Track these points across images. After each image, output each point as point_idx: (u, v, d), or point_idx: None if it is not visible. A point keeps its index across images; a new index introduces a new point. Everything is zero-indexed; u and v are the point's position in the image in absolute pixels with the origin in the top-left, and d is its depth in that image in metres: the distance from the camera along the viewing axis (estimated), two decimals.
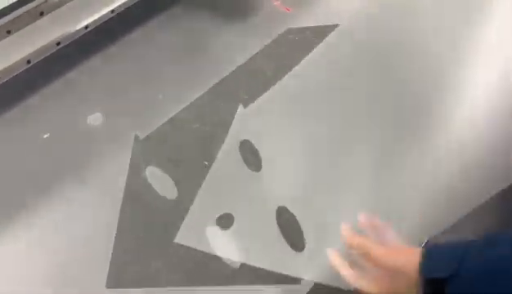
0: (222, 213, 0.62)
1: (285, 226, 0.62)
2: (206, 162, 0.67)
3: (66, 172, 0.65)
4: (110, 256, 0.58)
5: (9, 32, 0.65)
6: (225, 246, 0.59)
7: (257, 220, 0.62)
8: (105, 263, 0.57)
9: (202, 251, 0.59)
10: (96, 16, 0.73)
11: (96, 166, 0.66)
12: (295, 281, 0.57)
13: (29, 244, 0.59)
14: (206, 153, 0.68)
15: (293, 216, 0.63)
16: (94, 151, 0.68)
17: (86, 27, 0.72)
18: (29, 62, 0.68)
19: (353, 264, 0.47)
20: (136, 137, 0.70)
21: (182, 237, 0.59)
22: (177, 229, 0.61)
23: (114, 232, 0.60)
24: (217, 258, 0.58)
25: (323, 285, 0.56)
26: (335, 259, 0.49)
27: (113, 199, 0.63)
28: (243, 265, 0.58)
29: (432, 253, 0.42)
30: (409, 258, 0.42)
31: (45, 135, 0.70)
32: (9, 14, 0.63)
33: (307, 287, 0.56)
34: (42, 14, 0.67)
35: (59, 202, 0.62)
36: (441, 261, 0.40)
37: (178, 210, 0.62)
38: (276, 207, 0.63)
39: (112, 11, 0.74)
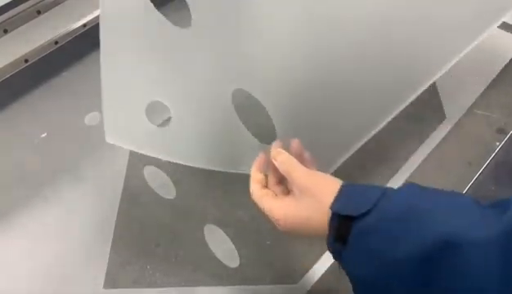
0: (153, 100, 0.52)
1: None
2: None
3: (63, 172, 0.65)
4: (108, 256, 0.57)
5: (6, 31, 0.65)
6: (164, 146, 0.53)
7: (206, 109, 0.51)
8: (103, 263, 0.57)
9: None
10: (93, 15, 0.72)
11: (94, 165, 0.66)
12: (293, 281, 0.56)
13: (25, 244, 0.58)
14: None
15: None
16: (92, 150, 0.67)
17: (84, 25, 0.72)
18: (26, 61, 0.68)
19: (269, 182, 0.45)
20: None
21: (110, 136, 0.54)
22: (176, 229, 0.60)
23: (112, 232, 0.59)
24: (215, 258, 0.58)
25: (322, 286, 0.56)
26: (261, 159, 0.46)
27: (111, 199, 0.63)
28: (241, 266, 0.57)
29: (350, 190, 0.39)
30: (331, 189, 0.39)
31: (42, 135, 0.69)
32: (5, 13, 0.63)
33: (307, 286, 0.56)
34: (39, 12, 0.67)
35: (56, 201, 0.62)
36: (356, 200, 0.37)
37: (177, 210, 0.62)
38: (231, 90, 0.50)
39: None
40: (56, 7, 0.70)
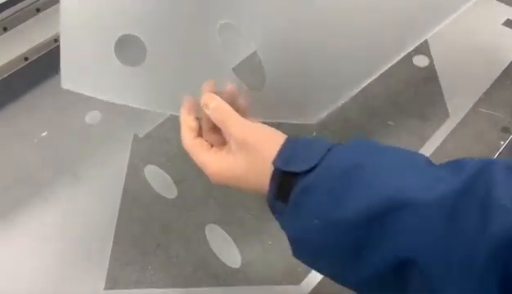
0: (124, 34, 0.43)
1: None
2: None
3: (64, 171, 0.65)
4: (109, 256, 0.57)
5: (5, 29, 0.65)
6: (135, 89, 0.46)
7: (189, 44, 0.44)
8: (104, 264, 0.56)
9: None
10: None
11: (95, 165, 0.65)
12: (295, 281, 0.56)
13: (26, 244, 0.58)
14: None
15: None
16: (92, 150, 0.67)
17: None
18: (26, 59, 0.67)
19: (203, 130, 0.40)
20: (135, 135, 0.69)
21: (68, 80, 0.46)
22: (177, 229, 0.60)
23: (113, 232, 0.59)
24: (216, 259, 0.57)
25: (325, 286, 0.55)
26: (190, 101, 0.40)
27: (111, 199, 0.62)
28: (243, 266, 0.57)
29: (294, 144, 0.35)
30: (272, 142, 0.35)
31: (42, 134, 0.69)
32: (5, 11, 0.63)
33: (309, 287, 0.56)
34: (38, 10, 0.67)
35: (56, 201, 0.62)
36: (300, 155, 0.34)
37: (178, 209, 0.62)
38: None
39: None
40: (55, 5, 0.69)
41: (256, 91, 0.44)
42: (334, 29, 0.45)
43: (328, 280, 0.57)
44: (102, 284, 0.55)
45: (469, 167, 0.30)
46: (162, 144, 0.68)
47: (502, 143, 0.67)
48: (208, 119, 0.40)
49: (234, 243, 0.58)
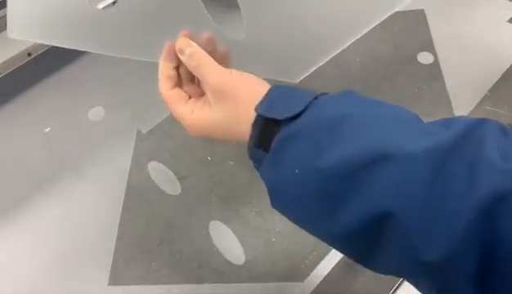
0: None
1: None
2: (209, 157, 0.66)
3: (67, 167, 0.65)
4: (112, 252, 0.57)
5: None
6: (100, 37, 0.41)
7: None
8: (108, 260, 0.56)
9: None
10: None
11: (98, 161, 0.65)
12: (299, 279, 0.56)
13: (28, 241, 0.58)
14: (209, 147, 0.67)
15: None
16: (95, 146, 0.67)
17: None
18: (29, 55, 0.67)
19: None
20: (139, 132, 0.69)
21: (15, 26, 0.39)
22: (180, 226, 0.60)
23: (117, 228, 0.59)
24: (220, 256, 0.57)
25: (329, 284, 0.55)
26: (170, 48, 0.37)
27: (115, 195, 0.62)
28: (246, 263, 0.57)
29: (279, 92, 0.34)
30: (254, 90, 0.34)
31: (46, 129, 0.69)
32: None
33: (313, 284, 0.55)
34: None
35: (59, 197, 0.62)
36: (284, 102, 0.32)
37: (181, 206, 0.62)
38: None
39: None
40: None
41: (235, 39, 0.41)
42: None
43: (332, 277, 0.57)
44: (106, 280, 0.55)
45: (460, 123, 0.28)
46: (165, 140, 0.68)
47: None
48: (187, 68, 0.38)
49: (237, 240, 0.58)
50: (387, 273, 0.30)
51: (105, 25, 0.42)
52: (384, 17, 0.50)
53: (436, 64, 0.77)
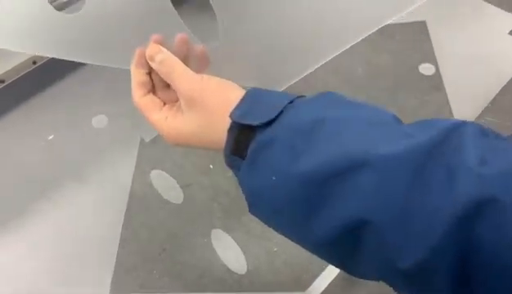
0: None
1: None
2: (211, 166, 0.66)
3: (70, 174, 0.65)
4: (115, 260, 0.57)
5: None
6: (71, 42, 0.41)
7: None
8: (110, 268, 0.56)
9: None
10: None
11: (101, 169, 0.66)
12: (301, 288, 0.56)
13: (32, 247, 0.58)
14: (211, 156, 0.67)
15: None
16: (99, 154, 0.67)
17: None
18: (34, 63, 0.68)
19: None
20: (142, 140, 0.69)
21: None
22: (182, 235, 0.60)
23: (119, 236, 0.59)
24: (222, 265, 0.57)
25: (331, 293, 0.55)
26: (141, 53, 0.36)
27: (118, 203, 0.62)
28: (248, 272, 0.57)
29: (254, 97, 0.32)
30: (228, 97, 0.32)
31: (49, 137, 0.69)
32: None
33: None
34: None
35: (62, 204, 0.62)
36: (259, 108, 0.31)
37: (183, 215, 0.62)
38: None
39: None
40: None
41: (210, 43, 0.39)
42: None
43: (333, 287, 0.57)
44: (108, 288, 0.55)
45: (439, 125, 0.27)
46: (168, 149, 0.68)
47: None
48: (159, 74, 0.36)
49: (240, 249, 0.58)
50: (368, 278, 0.30)
51: (70, 30, 0.41)
52: (379, 26, 0.45)
53: (437, 76, 0.77)
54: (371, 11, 0.44)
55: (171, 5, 0.40)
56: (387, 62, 0.80)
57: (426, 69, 0.78)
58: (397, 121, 0.30)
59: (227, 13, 0.40)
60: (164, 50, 0.35)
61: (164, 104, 0.37)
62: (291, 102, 0.31)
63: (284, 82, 0.45)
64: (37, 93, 0.74)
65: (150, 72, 0.37)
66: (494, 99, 0.74)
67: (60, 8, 0.40)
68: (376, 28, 0.44)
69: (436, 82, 0.76)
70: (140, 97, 0.36)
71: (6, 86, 0.66)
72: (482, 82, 0.76)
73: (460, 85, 0.76)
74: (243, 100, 0.32)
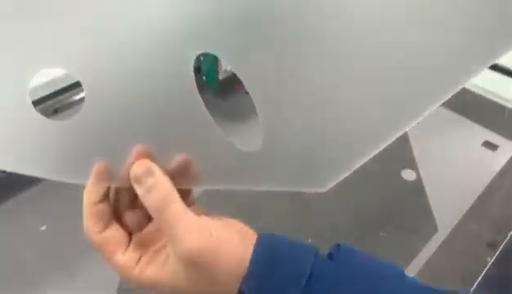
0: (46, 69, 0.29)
1: None
2: None
3: (59, 268, 0.64)
4: None
5: None
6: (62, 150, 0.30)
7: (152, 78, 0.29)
8: None
9: None
10: None
11: (91, 263, 0.65)
12: None
13: None
14: None
15: None
16: (90, 247, 0.67)
17: None
18: None
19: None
20: None
21: None
22: None
23: None
24: None
25: None
26: (100, 168, 0.26)
27: None
28: None
29: (264, 266, 0.26)
30: (237, 256, 0.26)
31: (41, 228, 0.69)
32: None
33: None
34: None
35: None
36: (274, 284, 0.26)
37: None
38: None
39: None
40: None
41: (249, 151, 0.32)
42: (347, 77, 0.34)
43: None
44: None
45: None
46: None
47: (489, 259, 0.69)
48: (129, 192, 0.27)
49: None
50: None
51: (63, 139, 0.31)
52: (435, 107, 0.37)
53: (419, 181, 0.82)
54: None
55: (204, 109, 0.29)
56: (371, 167, 0.84)
57: (408, 174, 0.83)
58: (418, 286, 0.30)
59: (272, 111, 0.32)
60: (158, 170, 0.25)
61: (130, 234, 0.28)
62: (309, 276, 0.27)
63: (332, 180, 0.38)
64: (31, 183, 0.75)
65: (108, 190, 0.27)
66: (472, 206, 0.78)
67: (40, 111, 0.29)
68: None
69: (417, 188, 0.81)
70: (97, 233, 0.27)
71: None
72: (460, 189, 0.80)
73: (440, 192, 0.80)
74: (252, 270, 0.26)
